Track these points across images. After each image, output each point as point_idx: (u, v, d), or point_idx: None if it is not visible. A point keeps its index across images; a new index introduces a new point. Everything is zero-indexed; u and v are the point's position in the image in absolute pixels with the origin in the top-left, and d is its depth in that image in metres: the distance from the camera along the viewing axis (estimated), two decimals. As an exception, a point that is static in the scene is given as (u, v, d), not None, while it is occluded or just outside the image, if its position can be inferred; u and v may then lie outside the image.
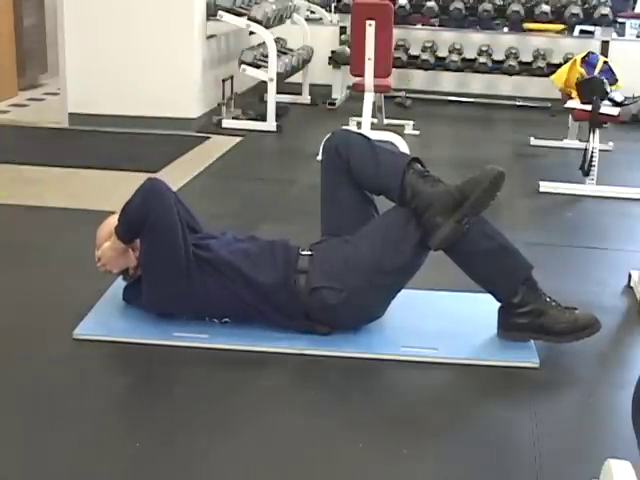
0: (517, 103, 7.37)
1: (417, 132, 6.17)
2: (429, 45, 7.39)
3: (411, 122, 6.26)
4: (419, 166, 2.81)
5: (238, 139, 5.77)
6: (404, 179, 2.74)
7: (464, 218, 2.66)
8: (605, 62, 5.30)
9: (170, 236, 2.70)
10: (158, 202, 2.69)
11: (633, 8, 7.92)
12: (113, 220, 2.82)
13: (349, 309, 2.71)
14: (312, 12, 8.08)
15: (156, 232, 2.69)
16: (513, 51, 7.30)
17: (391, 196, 2.80)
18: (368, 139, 2.91)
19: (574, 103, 4.88)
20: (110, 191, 4.37)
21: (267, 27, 6.21)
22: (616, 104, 4.76)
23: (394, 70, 5.87)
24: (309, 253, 2.78)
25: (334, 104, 7.06)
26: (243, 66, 6.20)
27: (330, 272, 2.71)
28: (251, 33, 6.67)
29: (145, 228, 2.68)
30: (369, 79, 5.37)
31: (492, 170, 2.67)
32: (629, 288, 3.31)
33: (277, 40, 6.47)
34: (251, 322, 2.77)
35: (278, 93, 6.20)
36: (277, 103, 6.13)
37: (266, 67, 6.15)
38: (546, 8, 7.01)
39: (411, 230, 2.71)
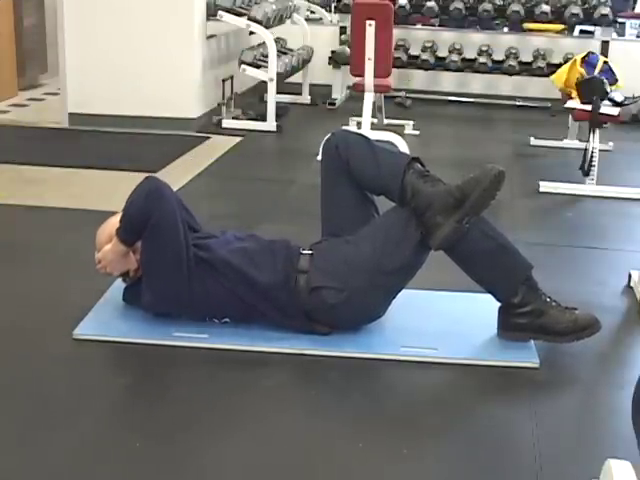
0: (517, 103, 7.37)
1: (417, 132, 6.17)
2: (429, 45, 7.39)
3: (411, 122, 6.26)
4: (419, 166, 2.81)
5: (238, 139, 5.77)
6: (404, 179, 2.74)
7: (464, 218, 2.66)
8: (605, 62, 5.30)
9: (172, 236, 2.69)
10: (160, 202, 2.68)
11: (633, 8, 7.92)
12: (113, 221, 2.81)
13: (349, 309, 2.71)
14: (312, 12, 8.08)
15: (158, 232, 2.68)
16: (513, 51, 7.30)
17: (391, 196, 2.80)
18: (368, 139, 2.91)
19: (574, 103, 4.88)
20: (110, 191, 4.37)
21: (267, 27, 6.21)
22: (616, 104, 4.76)
23: (394, 70, 5.87)
24: (309, 252, 2.78)
25: (334, 104, 7.06)
26: (243, 66, 6.20)
27: (330, 272, 2.71)
28: (251, 33, 6.67)
29: (147, 229, 2.67)
30: (369, 79, 5.37)
31: (492, 169, 2.67)
32: (629, 288, 3.31)
33: (277, 40, 6.47)
34: (251, 322, 2.78)
35: (278, 93, 6.20)
36: (277, 103, 6.13)
37: (266, 67, 6.15)
38: (546, 8, 7.01)
39: (411, 230, 2.71)
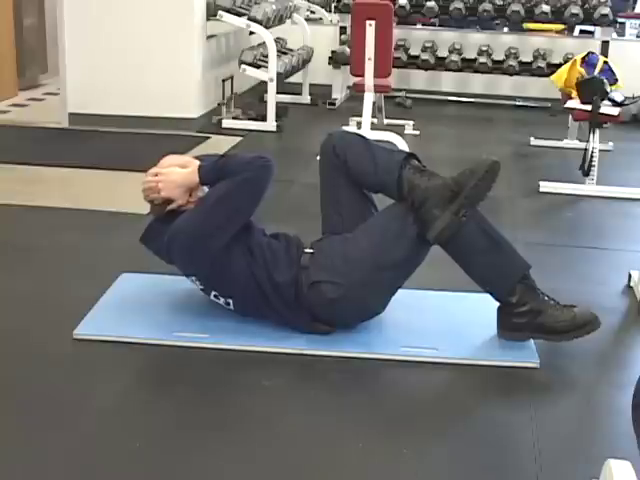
0: (517, 103, 7.37)
1: (417, 132, 6.17)
2: (429, 45, 7.38)
3: (411, 122, 6.26)
4: (415, 162, 2.83)
5: (238, 139, 5.77)
6: (401, 174, 2.76)
7: (461, 210, 2.67)
8: (605, 62, 5.31)
9: (249, 202, 2.74)
10: (264, 169, 2.73)
11: (633, 8, 7.93)
12: (187, 159, 2.87)
13: (349, 304, 2.71)
14: (312, 12, 8.07)
15: (242, 189, 2.70)
16: (513, 51, 7.30)
17: (389, 192, 2.81)
18: (365, 138, 2.93)
19: (574, 103, 4.88)
20: (110, 191, 4.37)
21: (267, 27, 6.21)
22: (616, 104, 4.76)
23: (394, 70, 5.87)
24: (310, 251, 2.78)
25: (334, 104, 7.06)
26: (243, 66, 6.20)
27: (330, 267, 2.72)
28: (251, 33, 6.67)
29: (236, 178, 2.68)
30: (369, 79, 5.37)
31: (487, 160, 2.69)
32: (629, 288, 3.31)
33: (277, 40, 6.47)
34: (254, 313, 2.78)
35: (278, 93, 6.20)
36: (277, 103, 6.13)
37: (266, 67, 6.15)
38: (546, 8, 7.01)
39: (409, 225, 2.72)
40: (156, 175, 2.81)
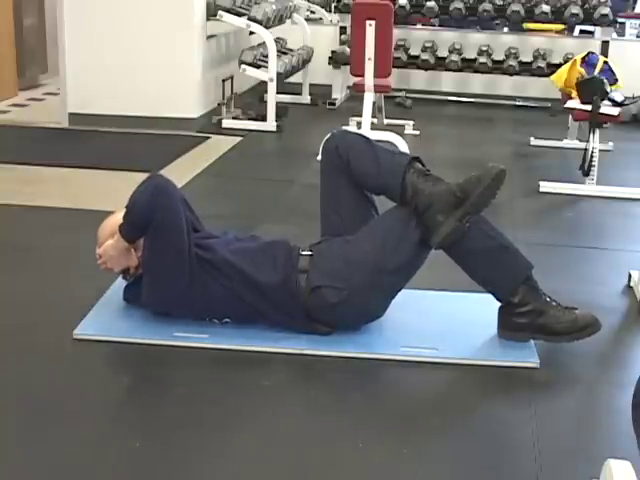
0: (517, 103, 7.38)
1: (417, 132, 6.17)
2: (429, 45, 7.39)
3: (411, 122, 6.26)
4: (419, 165, 2.82)
5: (238, 139, 5.77)
6: (405, 178, 2.75)
7: (465, 216, 2.66)
8: (605, 62, 5.31)
9: (175, 235, 2.68)
10: (164, 200, 2.66)
11: (633, 8, 7.93)
12: (116, 218, 2.80)
13: (350, 308, 2.71)
14: (312, 12, 8.07)
15: (161, 231, 2.67)
16: (513, 51, 7.30)
17: (392, 195, 2.81)
18: (368, 139, 2.91)
19: (574, 103, 4.88)
20: (110, 191, 4.37)
21: (267, 27, 6.21)
22: (616, 104, 4.76)
23: (394, 70, 5.87)
24: (309, 253, 2.78)
25: (334, 104, 7.06)
26: (243, 66, 6.20)
27: (331, 271, 2.71)
28: (251, 33, 6.68)
29: (150, 226, 2.66)
30: (369, 79, 5.37)
31: (493, 168, 2.68)
32: (629, 288, 3.31)
33: (277, 40, 6.47)
34: (252, 323, 2.77)
35: (278, 93, 6.20)
36: (277, 103, 6.13)
37: (266, 67, 6.15)
38: (546, 8, 7.01)
39: (412, 229, 2.71)
40: (100, 257, 2.84)
